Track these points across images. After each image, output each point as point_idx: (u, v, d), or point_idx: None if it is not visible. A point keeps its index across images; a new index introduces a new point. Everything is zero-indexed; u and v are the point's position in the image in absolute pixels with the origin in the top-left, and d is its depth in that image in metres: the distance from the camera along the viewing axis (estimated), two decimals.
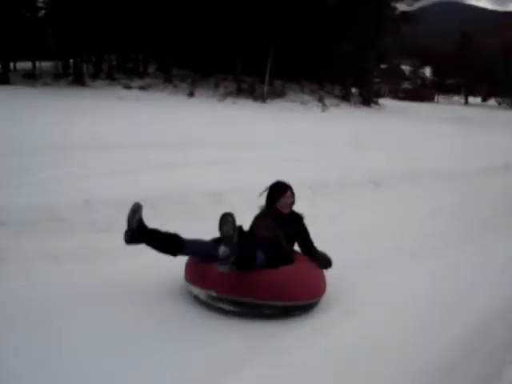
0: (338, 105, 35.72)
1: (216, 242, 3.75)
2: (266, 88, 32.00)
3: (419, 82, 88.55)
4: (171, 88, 31.72)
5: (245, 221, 4.10)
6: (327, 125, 22.36)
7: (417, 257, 5.38)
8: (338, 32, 35.19)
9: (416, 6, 43.87)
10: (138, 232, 3.68)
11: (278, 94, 33.55)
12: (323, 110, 31.89)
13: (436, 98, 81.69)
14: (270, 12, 29.59)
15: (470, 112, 54.39)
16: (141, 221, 3.72)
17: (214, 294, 3.61)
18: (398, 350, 3.31)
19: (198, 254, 3.86)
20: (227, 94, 31.78)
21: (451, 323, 3.80)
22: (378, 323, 3.68)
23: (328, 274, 3.98)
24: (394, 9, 41.97)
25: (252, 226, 4.22)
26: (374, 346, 3.37)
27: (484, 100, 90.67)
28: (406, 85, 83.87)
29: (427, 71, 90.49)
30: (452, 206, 8.34)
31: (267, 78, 31.99)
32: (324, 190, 7.92)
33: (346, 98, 39.12)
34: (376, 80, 50.14)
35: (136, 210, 3.69)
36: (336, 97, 38.88)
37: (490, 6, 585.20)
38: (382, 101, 45.18)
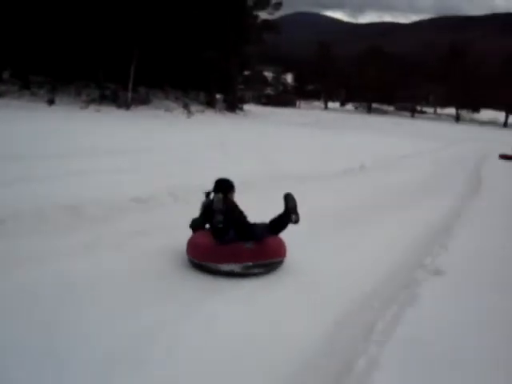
0: (203, 111, 36.22)
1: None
2: (129, 95, 31.51)
3: (281, 88, 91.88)
4: (29, 96, 29.72)
5: None
6: (192, 130, 22.67)
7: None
8: (201, 39, 35.56)
9: (277, 15, 45.60)
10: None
11: (143, 101, 33.19)
12: (189, 117, 32.18)
13: (298, 103, 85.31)
14: (132, 18, 29.16)
15: (329, 116, 57.75)
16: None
17: (250, 264, 4.86)
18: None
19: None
20: (90, 102, 30.65)
21: None
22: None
23: None
24: (257, 17, 43.33)
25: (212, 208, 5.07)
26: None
27: (342, 105, 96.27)
28: (269, 91, 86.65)
29: (289, 78, 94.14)
30: (308, 207, 8.96)
31: (131, 84, 31.48)
32: (187, 195, 8.15)
33: (211, 104, 39.75)
34: (240, 86, 51.39)
35: (221, 199, 4.90)
36: (201, 103, 39.35)
37: (345, 18, 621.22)
38: (246, 106, 46.47)
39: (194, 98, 40.08)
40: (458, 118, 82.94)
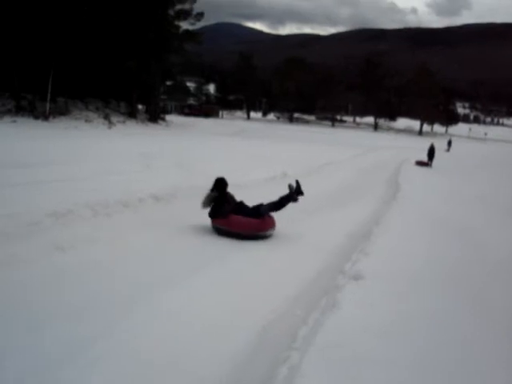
0: (124, 122, 35.54)
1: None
2: (48, 105, 30.40)
3: (204, 98, 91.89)
4: None
5: None
6: (112, 142, 22.17)
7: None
8: (122, 49, 35.00)
9: (198, 25, 45.61)
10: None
11: (62, 112, 32.15)
12: (109, 128, 31.50)
13: (220, 113, 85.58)
14: (49, 27, 28.22)
15: (252, 126, 58.29)
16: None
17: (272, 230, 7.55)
18: None
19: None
20: (5, 112, 29.19)
21: None
22: None
23: None
24: (179, 27, 43.17)
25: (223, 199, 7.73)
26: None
27: (264, 115, 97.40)
28: (192, 101, 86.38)
29: (211, 88, 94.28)
30: None
31: (49, 95, 30.36)
32: (106, 209, 7.94)
33: (132, 114, 39.10)
34: (162, 96, 50.98)
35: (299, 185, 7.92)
36: (122, 114, 38.60)
37: (265, 29, 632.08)
38: (168, 117, 46.09)
39: (115, 108, 39.25)
40: (376, 127, 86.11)
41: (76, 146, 18.27)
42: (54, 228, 6.61)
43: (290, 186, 7.94)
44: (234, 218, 7.40)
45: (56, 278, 5.06)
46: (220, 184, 7.83)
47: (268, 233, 7.49)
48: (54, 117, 30.65)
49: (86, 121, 32.02)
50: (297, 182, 7.95)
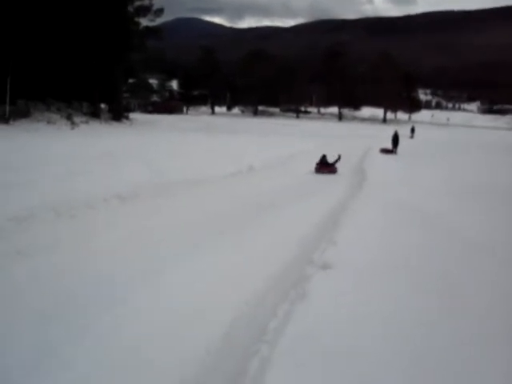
0: (87, 122, 34.95)
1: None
2: (7, 108, 29.64)
3: (167, 94, 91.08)
4: None
5: None
6: (76, 142, 21.80)
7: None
8: (82, 48, 34.40)
9: (158, 21, 45.09)
10: None
11: (23, 114, 31.38)
12: (72, 128, 30.94)
13: (185, 109, 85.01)
14: (4, 29, 27.54)
15: (217, 121, 58.17)
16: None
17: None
18: None
19: None
20: None
21: None
22: None
23: None
24: (138, 24, 42.62)
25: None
26: None
27: (229, 109, 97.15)
28: (155, 98, 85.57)
29: (174, 84, 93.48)
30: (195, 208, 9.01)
31: (8, 97, 29.59)
32: (70, 211, 7.82)
33: (95, 114, 38.51)
34: (125, 95, 50.38)
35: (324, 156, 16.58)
36: (85, 114, 37.95)
37: (224, 23, 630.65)
38: (132, 115, 45.59)
39: (78, 108, 38.53)
40: (340, 117, 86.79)
41: (37, 148, 17.87)
42: (16, 232, 6.50)
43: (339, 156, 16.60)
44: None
45: (17, 282, 4.98)
46: (323, 157, 16.44)
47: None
48: (15, 119, 29.90)
49: (49, 122, 31.34)
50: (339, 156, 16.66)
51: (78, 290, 4.85)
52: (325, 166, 16.46)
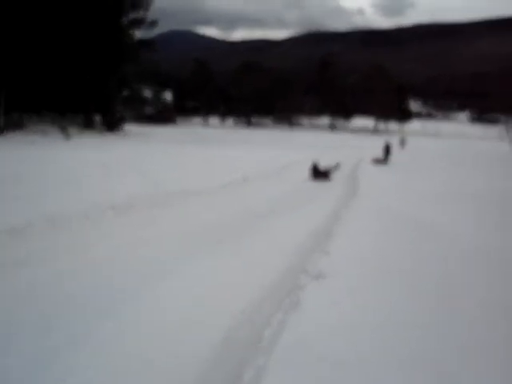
0: (81, 133, 35.11)
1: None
2: (1, 120, 29.76)
3: (161, 106, 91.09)
4: None
5: None
6: (70, 154, 21.85)
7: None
8: (76, 61, 34.56)
9: (152, 33, 45.62)
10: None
11: (17, 126, 31.49)
12: (67, 140, 31.02)
13: (178, 120, 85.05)
14: None
15: (210, 132, 58.36)
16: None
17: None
18: None
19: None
20: None
21: None
22: None
23: None
24: (132, 36, 42.92)
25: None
26: None
27: (222, 120, 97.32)
28: (149, 109, 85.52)
29: (168, 96, 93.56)
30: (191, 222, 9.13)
31: (2, 109, 29.71)
32: (67, 222, 7.91)
33: (89, 125, 38.67)
34: (119, 106, 50.49)
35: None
36: (79, 125, 38.12)
37: (217, 35, 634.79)
38: (126, 126, 45.71)
39: (72, 120, 38.67)
40: (332, 127, 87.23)
41: (32, 160, 17.93)
42: (14, 244, 6.62)
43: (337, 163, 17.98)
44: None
45: (17, 292, 5.08)
46: (315, 167, 17.05)
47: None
48: (9, 131, 30.00)
49: (43, 134, 31.41)
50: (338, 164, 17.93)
51: (78, 298, 4.94)
52: (319, 174, 17.02)
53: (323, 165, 17.75)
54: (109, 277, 5.65)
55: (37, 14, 30.36)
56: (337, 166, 17.97)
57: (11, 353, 3.80)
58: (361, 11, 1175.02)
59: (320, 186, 15.85)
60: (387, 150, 26.87)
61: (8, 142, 26.39)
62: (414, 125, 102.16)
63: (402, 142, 42.58)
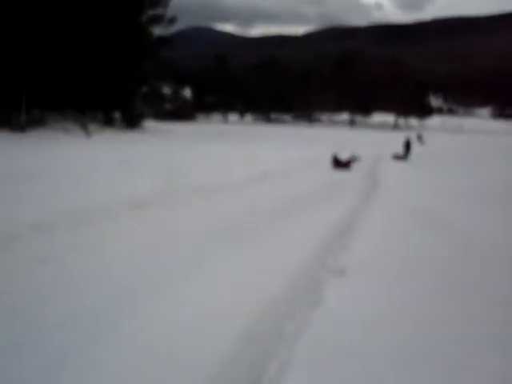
0: (102, 130, 35.33)
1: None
2: (23, 117, 30.01)
3: (180, 102, 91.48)
4: None
5: None
6: (92, 150, 22.03)
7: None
8: (96, 58, 34.77)
9: (171, 30, 45.62)
10: None
11: (39, 123, 31.74)
12: (87, 137, 31.24)
13: (198, 116, 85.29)
14: (21, 39, 27.95)
15: (230, 128, 58.52)
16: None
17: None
18: None
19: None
20: None
21: None
22: None
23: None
24: (152, 33, 43.06)
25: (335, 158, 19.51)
26: None
27: (241, 116, 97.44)
28: (168, 106, 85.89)
29: (187, 92, 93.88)
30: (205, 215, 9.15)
31: (24, 106, 29.94)
32: (88, 218, 7.93)
33: (109, 122, 38.91)
34: (138, 103, 50.78)
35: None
36: (99, 122, 38.37)
37: (235, 31, 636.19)
38: (146, 123, 45.93)
39: (92, 117, 38.94)
40: (352, 123, 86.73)
41: (54, 156, 18.10)
42: (37, 240, 6.65)
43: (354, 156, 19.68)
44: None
45: (38, 288, 5.12)
46: (334, 157, 19.15)
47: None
48: (31, 128, 30.26)
49: (64, 131, 31.66)
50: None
51: (101, 292, 5.01)
52: (340, 164, 19.35)
53: (344, 158, 18.98)
54: (127, 275, 5.69)
55: (58, 12, 30.59)
56: (357, 158, 19.84)
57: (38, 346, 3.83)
58: (379, 6, 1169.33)
59: (342, 181, 15.79)
60: (408, 146, 26.62)
61: (29, 138, 26.66)
62: (435, 120, 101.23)
63: (420, 138, 42.22)
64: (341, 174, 17.62)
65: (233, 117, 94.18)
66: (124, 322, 4.37)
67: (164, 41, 43.64)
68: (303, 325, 4.23)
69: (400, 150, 26.76)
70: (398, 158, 25.42)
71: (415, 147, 30.04)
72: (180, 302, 4.91)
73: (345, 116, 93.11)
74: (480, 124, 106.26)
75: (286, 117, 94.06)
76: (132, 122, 41.45)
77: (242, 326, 4.39)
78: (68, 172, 13.19)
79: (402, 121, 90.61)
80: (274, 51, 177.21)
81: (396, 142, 32.20)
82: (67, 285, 5.23)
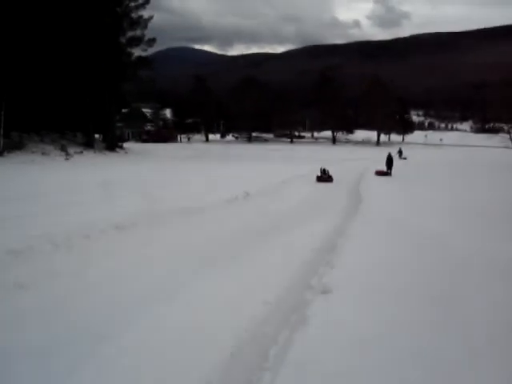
0: (81, 152, 35.01)
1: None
2: (1, 141, 29.63)
3: (161, 123, 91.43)
4: None
5: None
6: (70, 173, 21.83)
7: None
8: (75, 80, 34.60)
9: (150, 51, 45.56)
10: None
11: (17, 146, 31.31)
12: (67, 159, 30.94)
13: (179, 137, 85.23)
14: None
15: (211, 148, 58.44)
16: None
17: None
18: None
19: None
20: None
21: None
22: None
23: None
24: (131, 54, 43.01)
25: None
26: None
27: (223, 136, 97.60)
28: (149, 127, 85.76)
29: (168, 113, 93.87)
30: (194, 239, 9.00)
31: (2, 129, 29.58)
32: (67, 242, 7.78)
33: (89, 144, 38.60)
34: (119, 124, 50.64)
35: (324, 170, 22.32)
36: (79, 144, 38.04)
37: (215, 51, 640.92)
38: (126, 144, 45.74)
39: (72, 139, 38.65)
40: (334, 140, 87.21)
41: (33, 180, 17.88)
42: (15, 265, 6.46)
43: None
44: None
45: (17, 316, 4.96)
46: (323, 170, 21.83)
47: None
48: (9, 152, 29.86)
49: (43, 154, 31.28)
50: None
51: (83, 318, 4.86)
52: (322, 178, 21.81)
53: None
54: (110, 295, 5.53)
55: (36, 34, 30.43)
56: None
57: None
58: (357, 23, 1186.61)
59: (323, 199, 15.76)
60: (390, 161, 26.72)
61: (8, 162, 26.35)
62: (417, 136, 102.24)
63: (400, 153, 42.53)
64: (324, 190, 17.60)
65: (214, 136, 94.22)
66: (104, 348, 4.22)
67: (143, 62, 43.56)
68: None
69: (383, 166, 26.83)
70: (381, 173, 25.50)
71: (396, 162, 30.20)
72: (160, 327, 4.76)
73: (327, 133, 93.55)
74: (461, 138, 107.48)
75: (268, 136, 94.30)
76: (112, 143, 41.16)
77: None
78: (45, 196, 12.95)
79: (384, 137, 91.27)
80: (254, 70, 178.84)
81: (378, 158, 32.37)
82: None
